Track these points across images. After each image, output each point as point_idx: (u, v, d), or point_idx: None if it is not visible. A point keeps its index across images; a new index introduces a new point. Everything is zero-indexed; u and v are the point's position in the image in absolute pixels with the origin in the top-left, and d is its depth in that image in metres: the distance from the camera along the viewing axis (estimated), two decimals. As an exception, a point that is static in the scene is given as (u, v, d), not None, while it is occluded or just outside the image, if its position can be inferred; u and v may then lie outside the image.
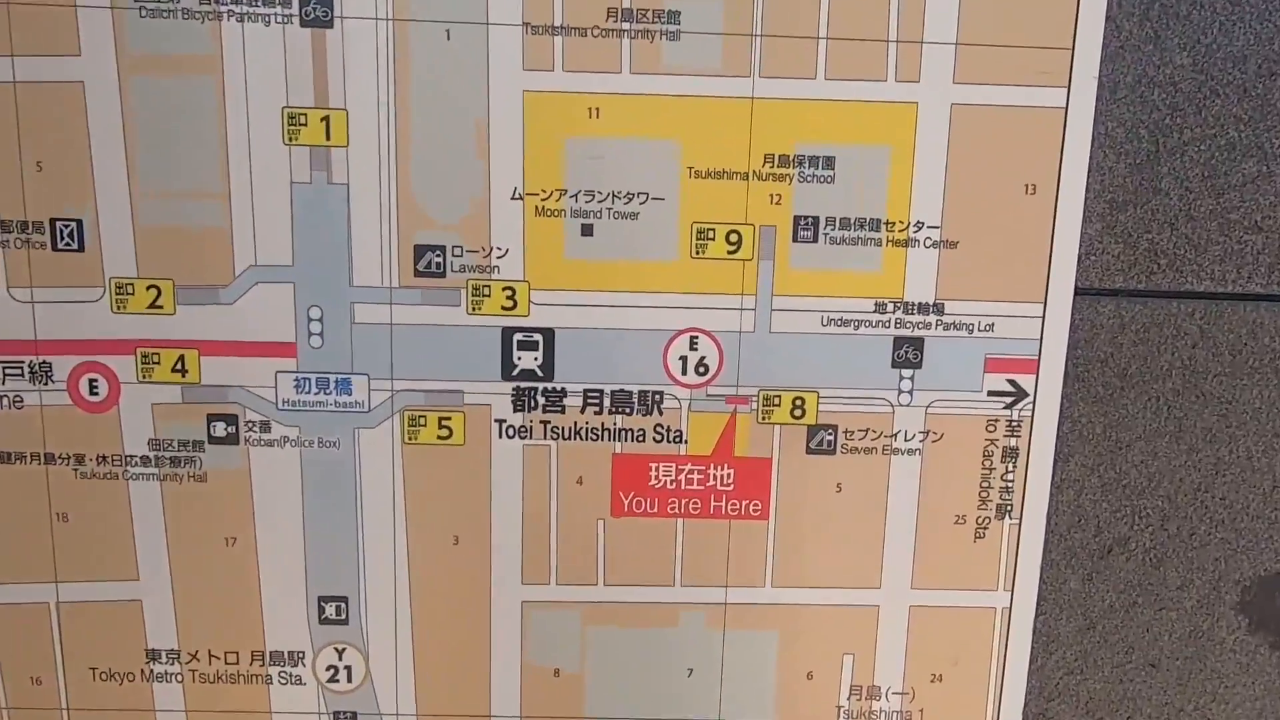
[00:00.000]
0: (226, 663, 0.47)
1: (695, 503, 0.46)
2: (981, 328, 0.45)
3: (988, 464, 0.46)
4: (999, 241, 0.44)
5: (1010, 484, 0.47)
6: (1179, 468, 0.47)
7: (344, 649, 0.47)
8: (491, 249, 0.44)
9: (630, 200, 0.43)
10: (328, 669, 0.47)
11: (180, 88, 0.41)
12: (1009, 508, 0.47)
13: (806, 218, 0.44)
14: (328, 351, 0.44)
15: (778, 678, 0.48)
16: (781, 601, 0.47)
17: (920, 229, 0.44)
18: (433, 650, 0.47)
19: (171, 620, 0.46)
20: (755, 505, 0.46)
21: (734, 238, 0.44)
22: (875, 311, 0.45)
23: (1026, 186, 0.44)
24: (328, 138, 0.42)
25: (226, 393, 0.45)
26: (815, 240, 0.44)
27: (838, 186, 0.43)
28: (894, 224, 0.44)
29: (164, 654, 0.47)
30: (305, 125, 0.42)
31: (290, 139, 0.42)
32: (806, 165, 0.43)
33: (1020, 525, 0.47)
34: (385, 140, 0.42)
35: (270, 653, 0.47)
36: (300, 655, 0.47)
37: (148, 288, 0.43)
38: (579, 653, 0.48)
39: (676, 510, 0.46)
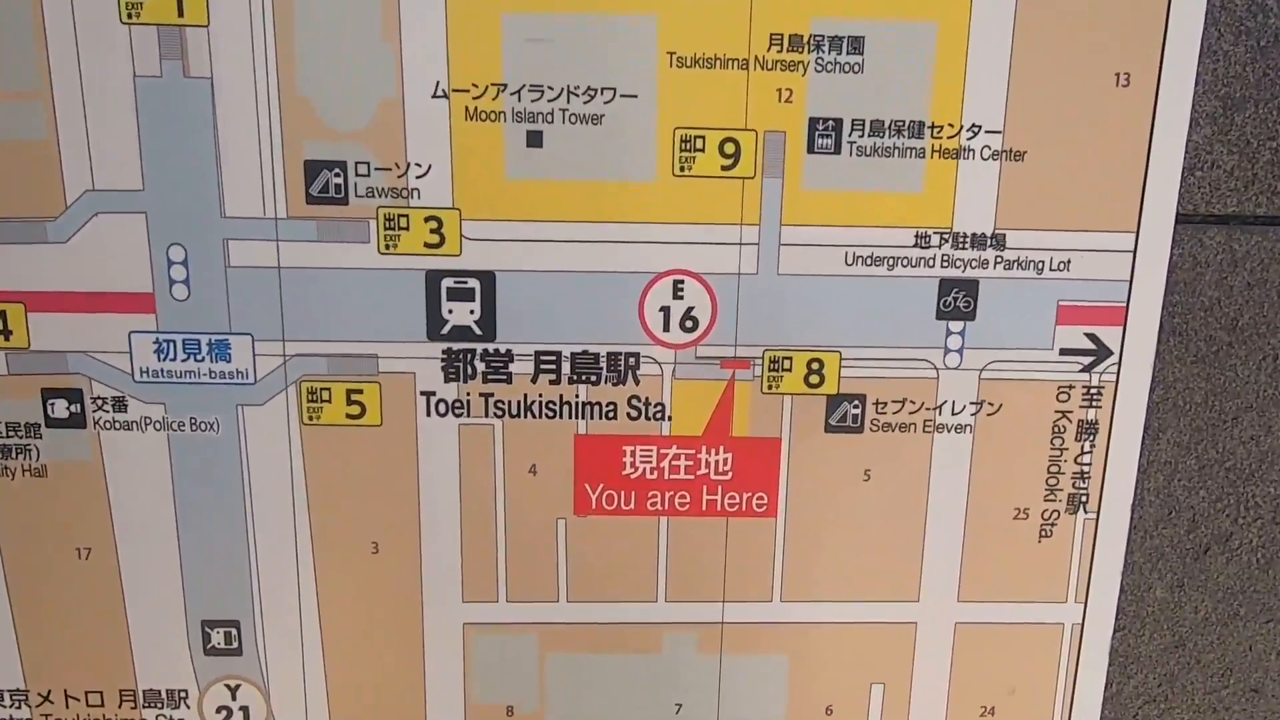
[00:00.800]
0: (89, 704, 0.45)
1: (683, 496, 0.44)
2: (1054, 266, 0.42)
3: (1058, 443, 0.44)
4: (1079, 152, 0.41)
5: (1086, 469, 0.44)
6: (1299, 445, 0.45)
7: (238, 685, 0.45)
8: (409, 165, 0.40)
9: (591, 98, 0.40)
10: (218, 710, 0.45)
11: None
12: (1083, 499, 0.44)
13: (826, 120, 0.40)
14: (196, 305, 0.41)
15: (789, 713, 0.46)
16: (793, 619, 0.45)
17: (976, 135, 0.41)
18: (350, 686, 0.45)
19: (14, 654, 0.44)
20: (760, 499, 0.44)
21: (730, 149, 0.41)
22: (916, 246, 0.42)
23: (1117, 77, 0.40)
24: (180, 14, 0.39)
25: (66, 360, 0.42)
26: (837, 151, 0.41)
27: (867, 78, 0.40)
28: (941, 128, 0.41)
29: (7, 696, 0.44)
30: (150, -3, 0.38)
31: (130, 16, 0.39)
32: (826, 49, 0.40)
33: (1097, 520, 0.45)
34: (260, 18, 0.39)
35: (144, 692, 0.45)
36: (182, 694, 0.45)
37: (-49, 222, 0.40)
38: (537, 687, 0.46)
39: (659, 506, 0.44)
